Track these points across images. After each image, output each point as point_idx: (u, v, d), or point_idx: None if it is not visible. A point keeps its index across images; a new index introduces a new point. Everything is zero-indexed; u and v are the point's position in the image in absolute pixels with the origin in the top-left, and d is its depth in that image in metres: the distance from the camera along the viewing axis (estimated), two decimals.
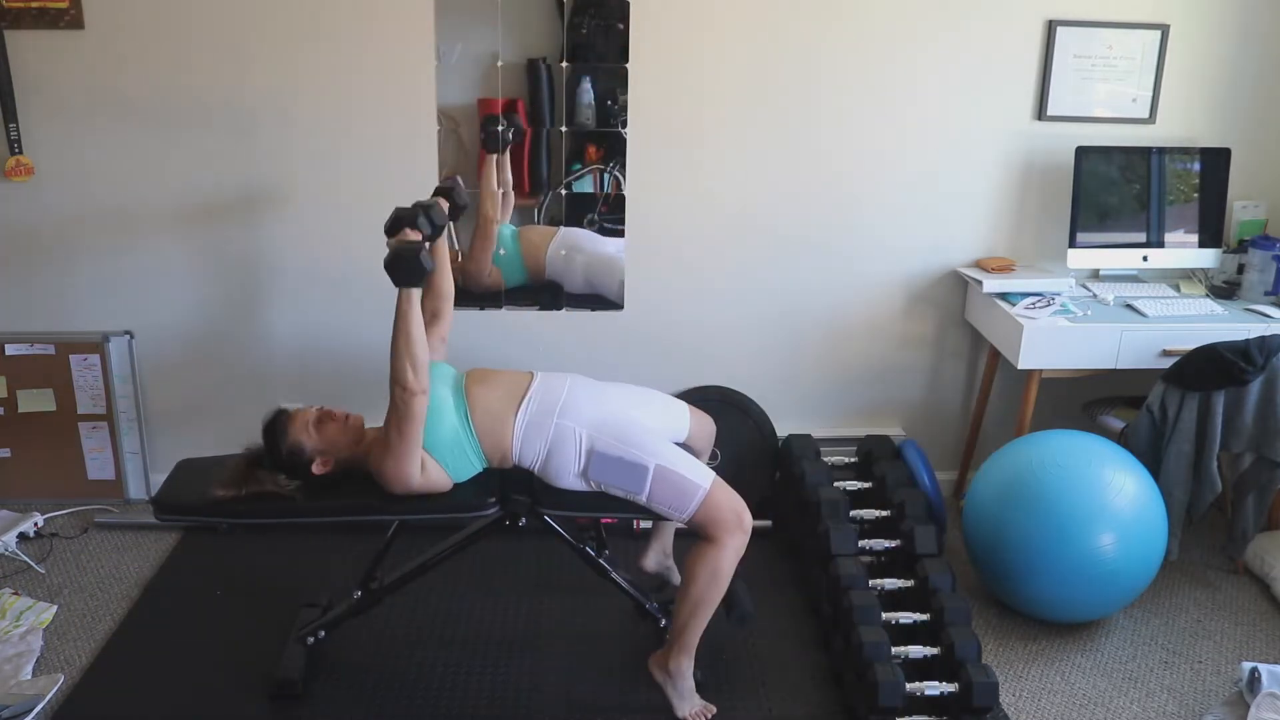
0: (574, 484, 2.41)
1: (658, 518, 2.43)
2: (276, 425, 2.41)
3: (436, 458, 2.35)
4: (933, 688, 2.46)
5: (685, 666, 2.45)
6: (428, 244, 2.31)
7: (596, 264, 3.28)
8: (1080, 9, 3.18)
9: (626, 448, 2.36)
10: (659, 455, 2.37)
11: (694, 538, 2.39)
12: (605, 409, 2.45)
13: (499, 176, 3.18)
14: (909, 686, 2.45)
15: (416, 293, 2.25)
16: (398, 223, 2.34)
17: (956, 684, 2.46)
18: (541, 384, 2.48)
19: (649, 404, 2.59)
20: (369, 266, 3.27)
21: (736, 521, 2.34)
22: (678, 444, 2.59)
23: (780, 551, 3.27)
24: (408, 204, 2.41)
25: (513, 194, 3.19)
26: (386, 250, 2.25)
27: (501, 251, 3.22)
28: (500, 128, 3.11)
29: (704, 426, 2.70)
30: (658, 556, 2.87)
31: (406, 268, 2.23)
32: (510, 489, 2.47)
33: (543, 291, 3.31)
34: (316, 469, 2.39)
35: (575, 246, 3.26)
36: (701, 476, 2.36)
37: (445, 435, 2.35)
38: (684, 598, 2.38)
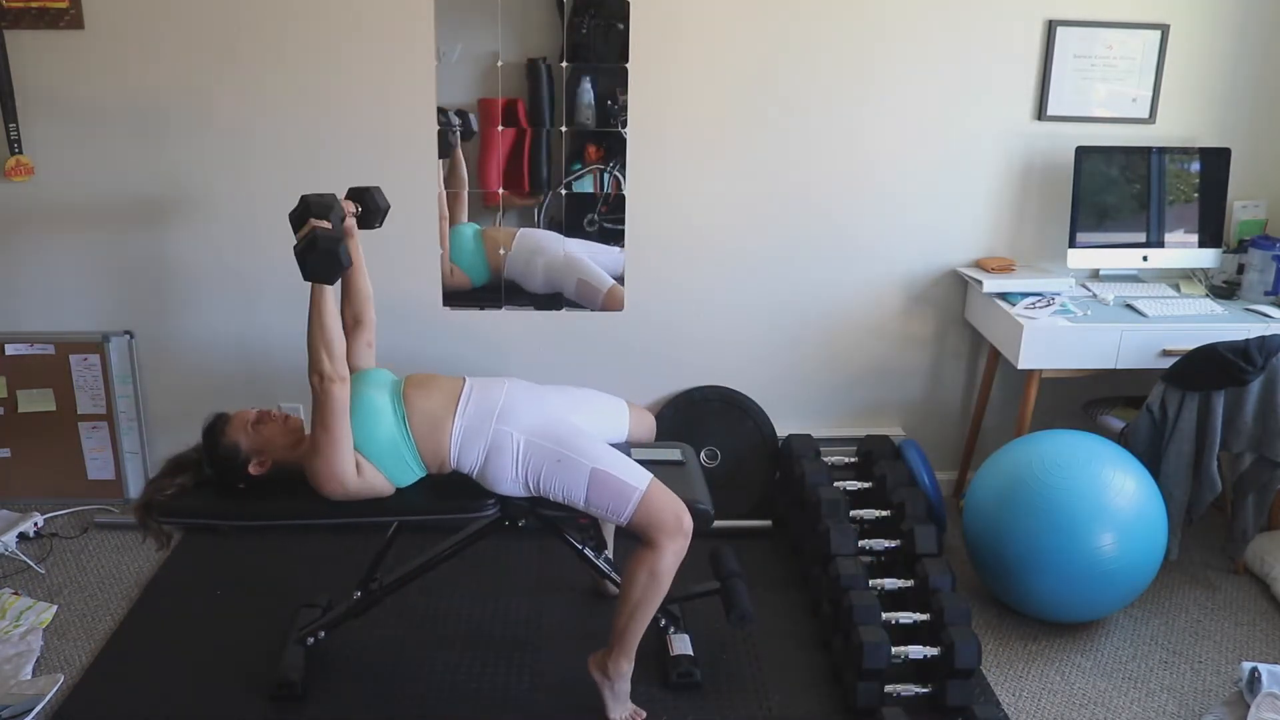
0: (512, 488, 2.40)
1: (598, 520, 2.40)
2: (215, 426, 2.42)
3: (374, 463, 2.35)
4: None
5: (625, 669, 2.44)
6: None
7: (556, 265, 3.27)
8: (1080, 9, 3.18)
9: (563, 451, 2.36)
10: (596, 459, 2.36)
11: (636, 540, 2.37)
12: (543, 413, 2.45)
13: (454, 176, 3.18)
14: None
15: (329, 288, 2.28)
16: (307, 210, 2.29)
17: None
18: (477, 388, 2.48)
19: (587, 405, 2.60)
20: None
21: (676, 524, 2.31)
22: (619, 443, 2.59)
23: (780, 551, 3.27)
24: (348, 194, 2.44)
25: (465, 194, 3.19)
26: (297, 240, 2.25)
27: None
28: (452, 126, 3.11)
29: (644, 422, 2.71)
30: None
31: (323, 261, 2.23)
32: None
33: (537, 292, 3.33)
34: (253, 469, 2.40)
35: (535, 249, 3.26)
36: (638, 479, 2.34)
37: (383, 440, 2.35)
38: (624, 601, 2.37)
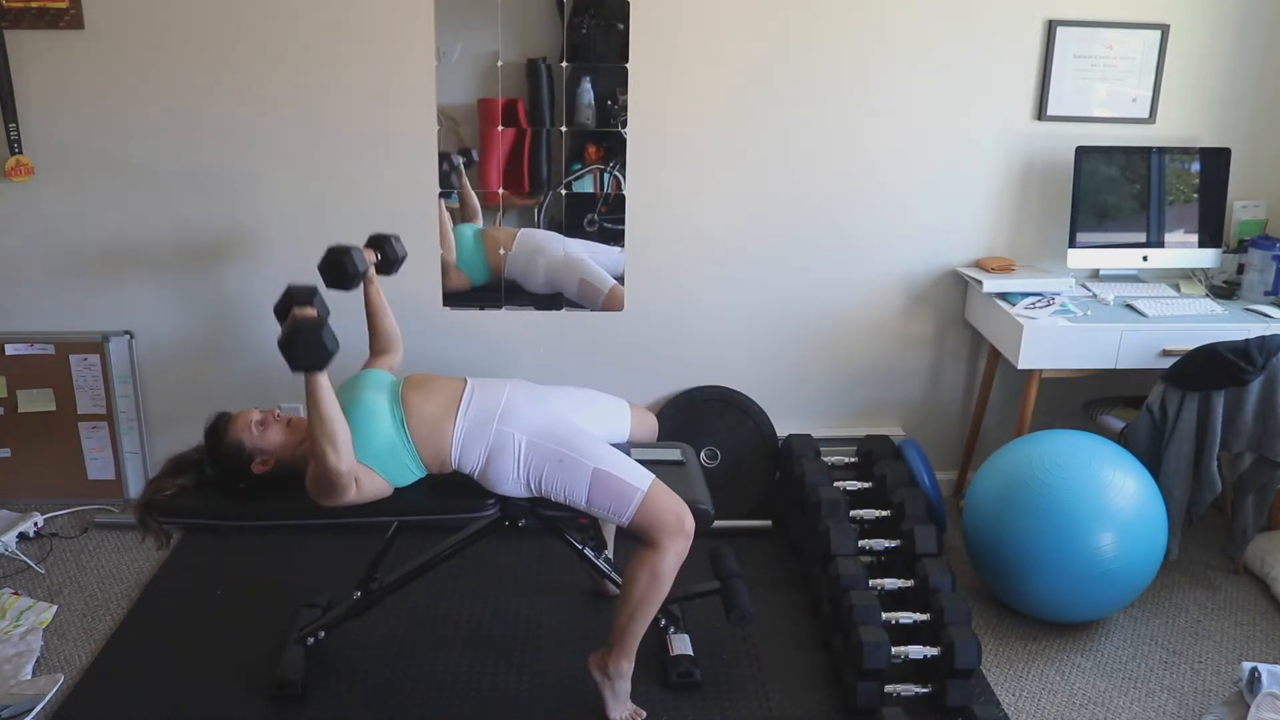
0: (513, 489, 2.40)
1: (598, 521, 2.40)
2: (218, 425, 2.42)
3: (373, 465, 2.33)
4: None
5: (625, 669, 2.44)
6: (328, 320, 2.22)
7: (557, 265, 3.28)
8: (1080, 9, 3.18)
9: (565, 451, 2.36)
10: (598, 459, 2.36)
11: (637, 541, 2.37)
12: (545, 413, 2.45)
13: (465, 209, 3.22)
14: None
15: (323, 375, 2.18)
16: (290, 300, 2.26)
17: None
18: (478, 389, 2.48)
19: (589, 406, 2.60)
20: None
21: (677, 525, 2.31)
22: (620, 444, 2.60)
23: (780, 551, 3.27)
24: (387, 233, 2.56)
25: (474, 198, 3.20)
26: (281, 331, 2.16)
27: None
28: (455, 165, 3.17)
29: (646, 423, 2.72)
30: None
31: (307, 348, 2.10)
32: None
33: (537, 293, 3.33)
34: (256, 468, 2.39)
35: (536, 248, 3.26)
36: (640, 479, 2.34)
37: (380, 443, 2.34)
38: (624, 601, 2.36)
